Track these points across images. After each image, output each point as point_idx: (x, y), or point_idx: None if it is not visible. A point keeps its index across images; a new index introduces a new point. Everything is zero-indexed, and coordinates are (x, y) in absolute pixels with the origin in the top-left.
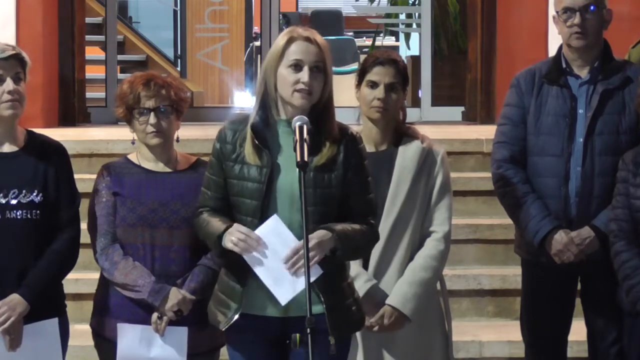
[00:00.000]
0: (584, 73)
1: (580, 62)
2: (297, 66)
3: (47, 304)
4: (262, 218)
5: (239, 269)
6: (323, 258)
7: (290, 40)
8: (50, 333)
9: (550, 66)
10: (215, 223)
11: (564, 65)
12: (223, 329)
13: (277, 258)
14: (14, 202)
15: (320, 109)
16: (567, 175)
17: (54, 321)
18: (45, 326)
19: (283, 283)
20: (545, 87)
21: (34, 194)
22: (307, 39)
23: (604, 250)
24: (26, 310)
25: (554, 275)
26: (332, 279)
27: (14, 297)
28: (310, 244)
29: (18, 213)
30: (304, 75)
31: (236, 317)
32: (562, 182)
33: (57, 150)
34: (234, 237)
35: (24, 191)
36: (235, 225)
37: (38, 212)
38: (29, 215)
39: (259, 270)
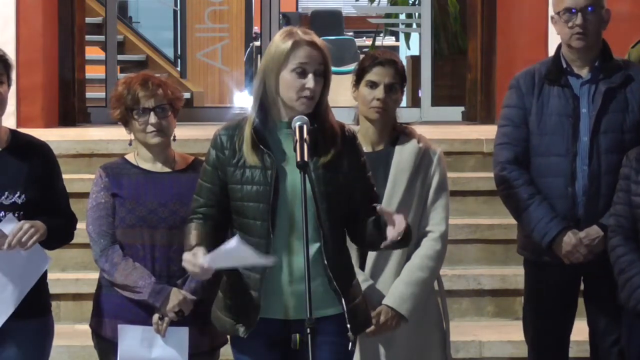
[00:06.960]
0: (584, 73)
1: (580, 63)
2: (302, 72)
3: (33, 303)
4: (273, 220)
5: (252, 277)
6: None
7: (295, 45)
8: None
9: (549, 66)
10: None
11: (564, 66)
12: (245, 336)
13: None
14: None
15: (320, 109)
16: (574, 174)
17: (37, 246)
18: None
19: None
20: (546, 87)
21: (17, 195)
22: (311, 44)
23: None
24: (44, 235)
25: (559, 275)
26: (348, 279)
27: (36, 221)
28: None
29: (0, 214)
30: (310, 81)
31: (257, 320)
32: (568, 182)
33: (41, 151)
34: (187, 266)
35: (5, 193)
36: (185, 254)
37: (22, 213)
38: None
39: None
